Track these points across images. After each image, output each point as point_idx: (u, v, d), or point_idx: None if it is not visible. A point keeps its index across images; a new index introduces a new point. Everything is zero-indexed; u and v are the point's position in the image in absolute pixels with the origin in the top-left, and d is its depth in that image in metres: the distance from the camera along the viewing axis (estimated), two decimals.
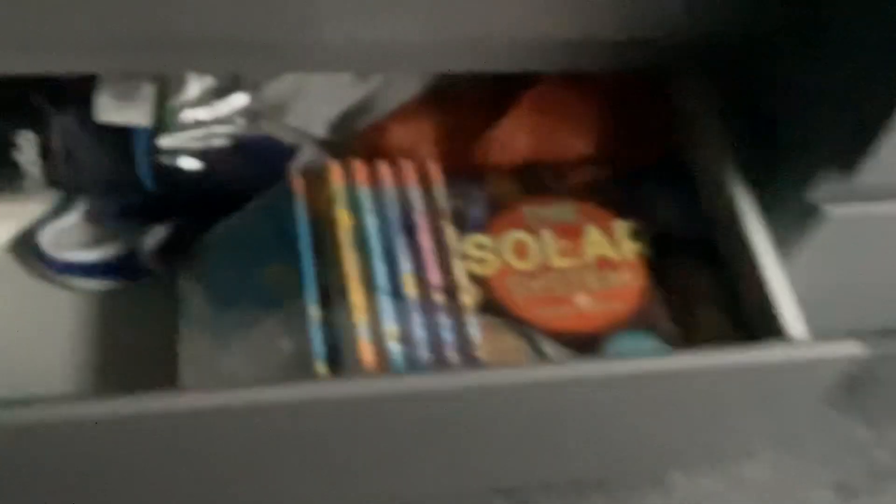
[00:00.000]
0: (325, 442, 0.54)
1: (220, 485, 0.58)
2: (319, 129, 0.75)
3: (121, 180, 0.66)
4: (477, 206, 0.67)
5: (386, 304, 0.57)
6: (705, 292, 0.66)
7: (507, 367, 0.54)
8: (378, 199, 0.63)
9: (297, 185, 0.64)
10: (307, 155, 0.74)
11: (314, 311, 0.57)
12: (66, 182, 0.66)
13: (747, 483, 0.75)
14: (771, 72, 0.66)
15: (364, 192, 0.63)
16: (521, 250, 0.66)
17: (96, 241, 0.67)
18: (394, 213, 0.62)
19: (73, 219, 0.67)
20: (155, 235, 0.66)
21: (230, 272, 0.63)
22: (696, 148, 0.69)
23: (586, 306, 0.64)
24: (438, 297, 0.59)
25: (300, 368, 0.55)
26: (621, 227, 0.68)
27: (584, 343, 0.62)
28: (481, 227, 0.66)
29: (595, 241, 0.67)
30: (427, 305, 0.58)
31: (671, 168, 0.70)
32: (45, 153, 0.64)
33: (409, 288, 0.58)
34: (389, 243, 0.61)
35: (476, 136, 0.71)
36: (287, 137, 0.74)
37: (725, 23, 0.63)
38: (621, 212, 0.69)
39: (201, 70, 0.67)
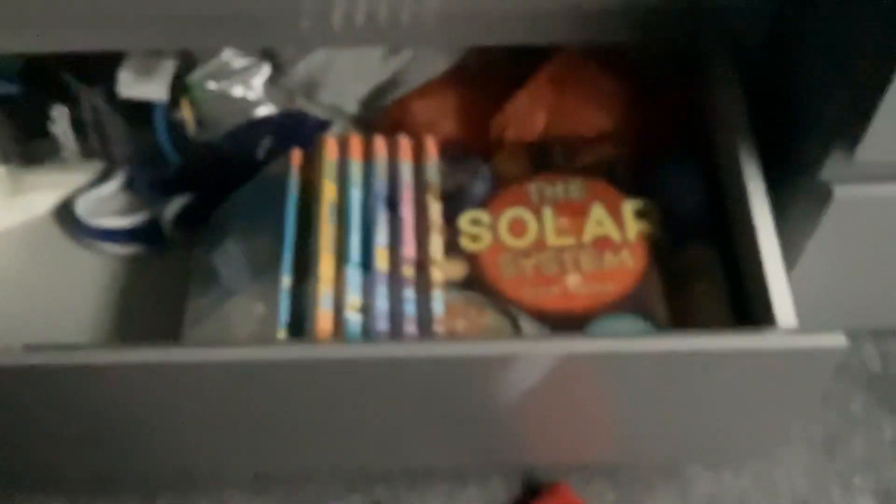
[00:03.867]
0: (275, 401, 0.55)
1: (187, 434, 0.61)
2: (351, 105, 0.77)
3: (148, 152, 0.70)
4: (481, 183, 0.67)
5: (353, 276, 0.58)
6: (706, 276, 0.62)
7: (433, 340, 0.54)
8: (367, 172, 0.64)
9: (294, 158, 0.65)
10: (339, 130, 0.75)
11: (286, 280, 0.59)
12: (99, 154, 0.71)
13: (777, 485, 0.70)
14: (786, 45, 0.61)
15: (354, 166, 0.64)
16: (517, 228, 0.64)
17: (125, 210, 0.72)
18: (381, 186, 0.63)
19: (107, 189, 0.72)
20: (174, 206, 0.70)
21: (232, 242, 0.66)
22: (715, 126, 0.65)
23: (576, 287, 0.62)
24: (408, 272, 0.59)
25: (265, 333, 0.57)
26: (629, 206, 0.65)
27: (569, 324, 0.61)
28: (482, 203, 0.66)
29: (598, 221, 0.65)
30: (395, 279, 0.58)
31: (688, 148, 0.67)
32: (77, 126, 0.69)
33: (381, 261, 0.59)
34: (369, 216, 0.61)
35: (492, 109, 0.71)
36: (320, 113, 0.76)
37: None
38: (632, 191, 0.66)
39: (228, 45, 0.70)
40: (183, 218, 0.71)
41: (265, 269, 0.61)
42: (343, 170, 0.63)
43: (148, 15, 0.60)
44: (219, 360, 0.50)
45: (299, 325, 0.57)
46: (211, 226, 0.69)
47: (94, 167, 0.73)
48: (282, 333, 0.56)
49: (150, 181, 0.73)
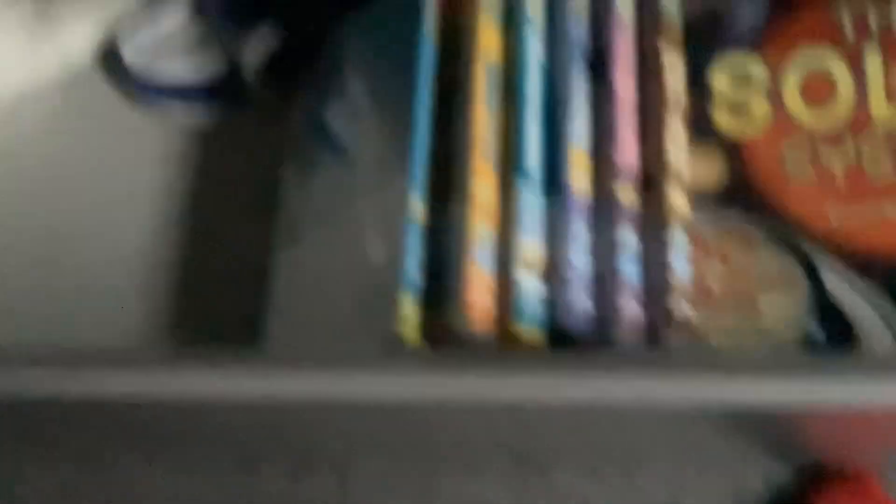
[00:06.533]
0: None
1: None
2: None
3: None
4: (750, 2, 0.38)
5: (529, 203, 0.33)
6: None
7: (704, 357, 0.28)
8: (554, 2, 0.36)
9: None
10: None
11: (416, 205, 0.34)
12: None
13: None
14: None
15: None
16: (817, 88, 0.36)
17: (193, 55, 0.48)
18: (577, 30, 0.36)
19: (165, 23, 0.48)
20: (262, 42, 0.46)
21: (342, 109, 0.42)
22: None
23: None
24: (626, 195, 0.33)
25: (383, 294, 0.34)
26: None
27: None
28: (751, 42, 0.38)
29: None
30: (604, 209, 0.33)
31: None
32: None
33: (577, 175, 0.33)
34: (558, 90, 0.35)
35: None
36: None
37: None
38: None
39: None
40: (273, 64, 0.47)
41: (384, 174, 0.37)
42: None
43: None
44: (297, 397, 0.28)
45: (439, 291, 0.33)
46: (315, 76, 0.45)
47: None
48: (407, 304, 0.33)
49: (222, 5, 0.48)
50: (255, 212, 0.45)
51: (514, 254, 0.32)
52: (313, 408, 0.33)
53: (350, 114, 0.42)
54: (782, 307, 0.34)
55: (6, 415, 0.39)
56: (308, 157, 0.44)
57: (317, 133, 0.44)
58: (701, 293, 0.34)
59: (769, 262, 0.35)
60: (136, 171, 0.47)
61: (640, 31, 0.35)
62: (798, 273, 0.34)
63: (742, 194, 0.36)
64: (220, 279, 0.45)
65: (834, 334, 0.34)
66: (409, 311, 0.33)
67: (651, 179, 0.33)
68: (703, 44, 0.37)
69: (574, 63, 0.35)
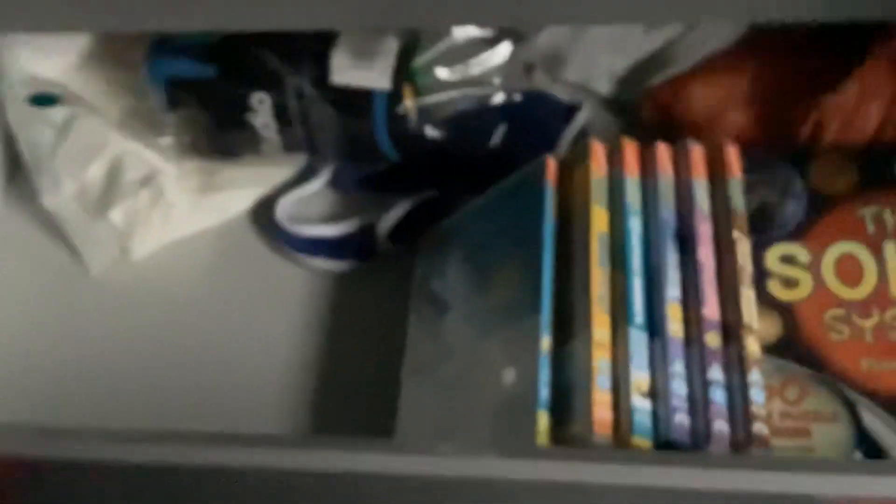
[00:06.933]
0: None
1: None
2: (604, 84, 0.62)
3: (361, 147, 0.57)
4: (794, 202, 0.50)
5: (638, 344, 0.43)
6: None
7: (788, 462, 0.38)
8: (649, 194, 0.48)
9: (550, 168, 0.51)
10: (587, 116, 0.61)
11: (545, 342, 0.45)
12: (303, 147, 0.59)
13: None
14: None
15: (632, 185, 0.48)
16: (849, 270, 0.48)
17: (333, 216, 0.60)
18: (668, 215, 0.47)
19: (311, 189, 0.60)
20: (393, 214, 0.57)
21: (464, 268, 0.53)
22: None
23: None
24: (713, 340, 0.43)
25: (519, 411, 0.43)
26: None
27: None
28: (796, 233, 0.49)
29: None
30: (696, 350, 0.43)
31: None
32: (280, 116, 0.57)
33: (674, 323, 0.44)
34: (656, 258, 0.46)
35: (804, 101, 0.53)
36: (563, 95, 0.61)
37: None
38: None
39: (462, 23, 0.55)
40: (400, 226, 0.58)
41: (511, 317, 0.48)
42: (616, 190, 0.48)
43: None
44: (450, 476, 0.37)
45: (566, 409, 0.42)
46: (436, 241, 0.56)
47: (296, 162, 0.60)
48: (542, 418, 0.42)
49: (360, 180, 0.60)
50: (383, 345, 0.54)
51: (627, 381, 0.42)
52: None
53: (448, 278, 0.53)
54: (830, 437, 0.44)
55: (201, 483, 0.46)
56: (422, 308, 0.54)
57: (427, 291, 0.54)
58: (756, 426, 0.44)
59: (819, 401, 0.45)
60: (281, 310, 0.57)
61: (716, 218, 0.47)
62: (841, 410, 0.44)
63: (794, 348, 0.46)
64: (353, 402, 0.54)
65: (870, 458, 0.43)
66: (542, 425, 0.42)
67: (731, 329, 0.43)
68: (760, 232, 0.49)
69: (666, 239, 0.46)
